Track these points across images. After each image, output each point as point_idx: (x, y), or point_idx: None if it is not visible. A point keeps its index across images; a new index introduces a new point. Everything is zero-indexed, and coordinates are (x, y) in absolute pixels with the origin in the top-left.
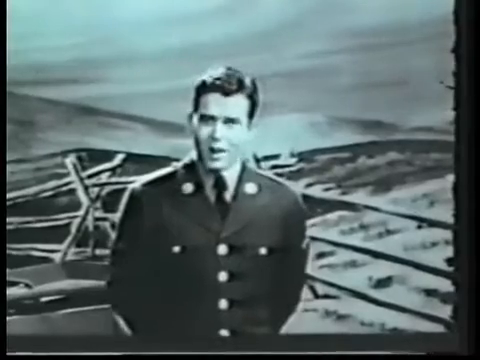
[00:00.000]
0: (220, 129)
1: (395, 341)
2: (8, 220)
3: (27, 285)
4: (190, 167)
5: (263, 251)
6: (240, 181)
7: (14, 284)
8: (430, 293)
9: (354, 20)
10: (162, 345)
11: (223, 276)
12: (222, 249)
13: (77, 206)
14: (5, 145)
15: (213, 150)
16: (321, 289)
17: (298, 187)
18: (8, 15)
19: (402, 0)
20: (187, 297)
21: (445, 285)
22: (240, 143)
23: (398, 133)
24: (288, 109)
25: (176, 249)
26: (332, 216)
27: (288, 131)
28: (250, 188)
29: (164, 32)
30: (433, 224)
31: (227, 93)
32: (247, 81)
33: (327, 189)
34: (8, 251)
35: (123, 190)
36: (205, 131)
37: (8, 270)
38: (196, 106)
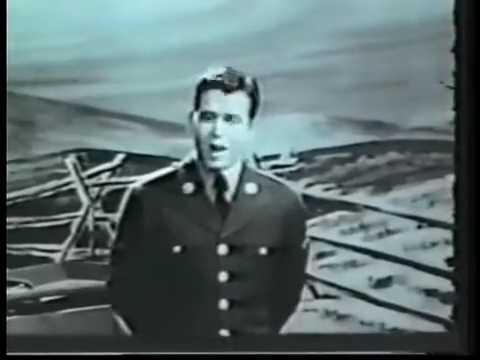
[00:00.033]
0: (221, 126)
1: (395, 341)
2: (8, 220)
3: (27, 285)
4: (190, 167)
5: (263, 251)
6: (240, 181)
7: (14, 284)
8: (430, 293)
9: (354, 20)
10: (162, 345)
11: (223, 276)
12: (222, 249)
13: (77, 206)
14: (5, 145)
15: (214, 148)
16: (321, 289)
17: (298, 187)
18: (8, 15)
19: (402, 0)
20: (187, 297)
21: (445, 285)
22: (240, 142)
23: (398, 133)
24: (288, 109)
25: (176, 249)
26: (332, 216)
27: (288, 131)
28: (250, 188)
29: (164, 32)
30: (433, 224)
31: (228, 90)
32: (248, 80)
33: (327, 189)
34: (8, 251)
35: (123, 190)
36: (206, 128)
37: (8, 270)
38: (197, 104)
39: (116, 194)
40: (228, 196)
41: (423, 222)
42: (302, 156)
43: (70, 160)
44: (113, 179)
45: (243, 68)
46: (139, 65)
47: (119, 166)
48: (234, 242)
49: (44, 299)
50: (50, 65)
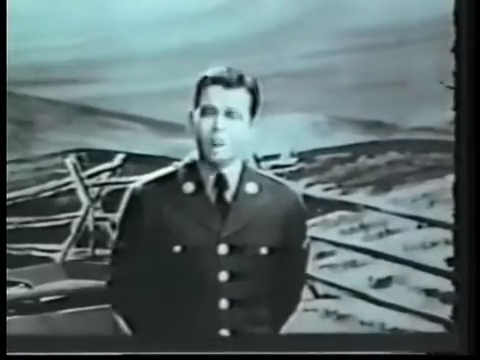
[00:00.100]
0: (221, 120)
1: (395, 341)
2: (8, 220)
3: (27, 285)
4: (191, 167)
5: (263, 251)
6: (241, 181)
7: (14, 284)
8: (430, 293)
9: (354, 20)
10: (162, 345)
11: (223, 276)
12: (222, 249)
13: (77, 206)
14: (5, 145)
15: (214, 143)
16: (321, 289)
17: (298, 187)
18: (8, 15)
19: (402, 0)
20: (187, 297)
21: (445, 285)
22: (241, 138)
23: (398, 133)
24: (288, 109)
25: (176, 249)
26: (332, 216)
27: (288, 131)
28: (251, 188)
29: (164, 32)
30: (433, 224)
31: (229, 85)
32: (248, 78)
33: (327, 189)
34: (8, 251)
35: (123, 190)
36: (207, 124)
37: (8, 270)
38: (197, 102)
39: (116, 194)
40: (228, 196)
41: (423, 222)
42: (302, 156)
43: (70, 160)
44: (113, 179)
45: (243, 68)
46: (139, 65)
47: (119, 166)
48: (234, 242)
49: (44, 299)
50: (50, 65)
